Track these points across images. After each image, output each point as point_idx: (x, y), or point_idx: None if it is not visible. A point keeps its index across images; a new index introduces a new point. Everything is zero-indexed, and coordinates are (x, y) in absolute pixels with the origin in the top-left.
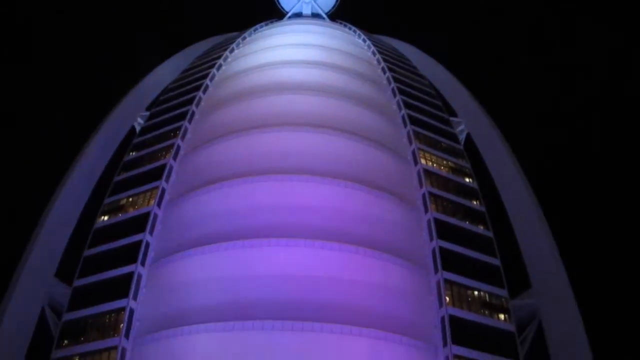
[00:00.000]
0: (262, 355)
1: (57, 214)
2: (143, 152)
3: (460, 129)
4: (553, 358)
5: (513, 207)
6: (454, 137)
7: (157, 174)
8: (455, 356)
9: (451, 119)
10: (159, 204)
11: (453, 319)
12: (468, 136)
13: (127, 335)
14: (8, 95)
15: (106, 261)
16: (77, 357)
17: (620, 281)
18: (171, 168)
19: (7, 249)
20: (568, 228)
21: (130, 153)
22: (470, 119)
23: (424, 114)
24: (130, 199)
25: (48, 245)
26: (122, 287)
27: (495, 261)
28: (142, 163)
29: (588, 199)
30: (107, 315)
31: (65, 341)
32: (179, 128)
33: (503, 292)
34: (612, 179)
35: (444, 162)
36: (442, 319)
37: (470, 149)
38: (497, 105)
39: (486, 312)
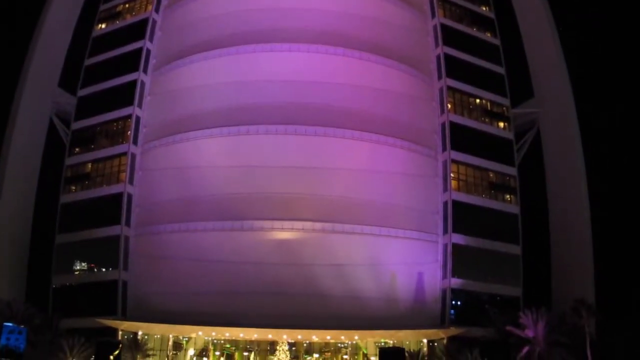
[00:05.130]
0: (268, 158)
1: (52, 20)
2: None
3: None
4: (548, 165)
5: (523, 13)
6: None
7: None
8: (454, 161)
9: None
10: (156, 9)
11: (453, 126)
12: None
13: (135, 142)
14: None
15: (108, 70)
16: (90, 163)
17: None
18: None
19: (6, 63)
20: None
21: None
22: None
23: None
24: (127, 5)
25: (47, 55)
26: (126, 94)
27: (500, 69)
28: None
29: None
30: (115, 123)
31: (77, 149)
32: None
33: (505, 101)
34: None
35: None
36: (443, 125)
37: None
38: None
39: (487, 119)
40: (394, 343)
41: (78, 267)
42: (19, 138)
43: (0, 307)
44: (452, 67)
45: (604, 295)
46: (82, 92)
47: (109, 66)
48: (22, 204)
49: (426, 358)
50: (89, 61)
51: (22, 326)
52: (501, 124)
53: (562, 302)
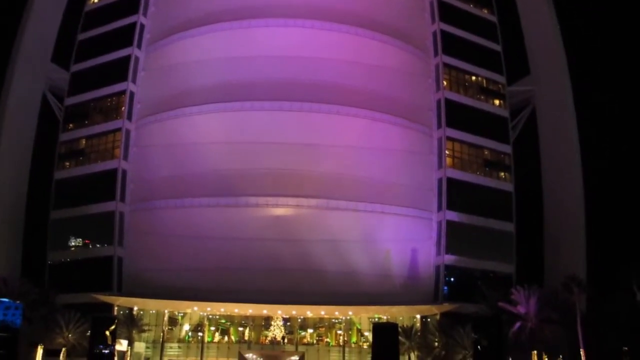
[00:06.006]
0: (263, 134)
1: None
2: None
3: None
4: (542, 143)
5: None
6: None
7: None
8: (449, 138)
9: None
10: None
11: (449, 103)
12: None
13: (129, 118)
14: None
15: (101, 45)
16: (84, 139)
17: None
18: None
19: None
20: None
21: None
22: None
23: None
24: None
25: (40, 30)
26: (120, 70)
27: (497, 47)
28: None
29: None
30: (109, 99)
31: (71, 125)
32: None
33: (501, 78)
34: None
35: None
36: (438, 102)
37: None
38: None
39: (482, 97)
40: (387, 319)
41: (73, 243)
42: (12, 114)
43: None
44: (448, 44)
45: (596, 272)
46: (75, 68)
47: (103, 41)
48: (17, 180)
49: (419, 333)
50: (82, 36)
51: (18, 302)
52: (497, 102)
53: (554, 279)
